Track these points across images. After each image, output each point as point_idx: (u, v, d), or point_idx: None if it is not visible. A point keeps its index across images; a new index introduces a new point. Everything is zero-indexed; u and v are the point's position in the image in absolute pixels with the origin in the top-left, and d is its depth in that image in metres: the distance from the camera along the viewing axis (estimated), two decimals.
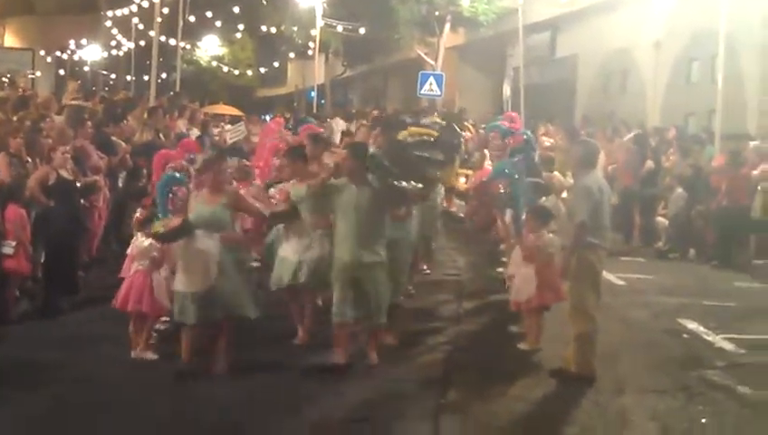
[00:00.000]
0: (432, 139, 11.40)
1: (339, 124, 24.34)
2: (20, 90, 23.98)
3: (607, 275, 15.25)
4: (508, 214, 13.89)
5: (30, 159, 13.87)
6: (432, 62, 44.74)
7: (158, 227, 10.46)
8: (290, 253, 11.51)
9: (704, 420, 9.54)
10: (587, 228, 10.44)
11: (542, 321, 12.07)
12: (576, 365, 10.62)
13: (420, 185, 10.79)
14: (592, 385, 10.38)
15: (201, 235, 10.21)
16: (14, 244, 12.55)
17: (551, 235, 12.01)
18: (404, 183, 10.62)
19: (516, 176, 12.93)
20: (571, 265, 10.66)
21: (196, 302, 10.12)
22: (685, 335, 13.13)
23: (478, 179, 14.81)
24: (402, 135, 11.39)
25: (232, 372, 10.32)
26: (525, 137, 15.33)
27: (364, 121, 23.04)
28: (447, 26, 44.98)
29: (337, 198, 10.61)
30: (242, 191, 11.59)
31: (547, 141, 22.07)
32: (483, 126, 23.73)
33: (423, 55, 46.23)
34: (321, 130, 18.87)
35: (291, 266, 11.43)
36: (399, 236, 11.51)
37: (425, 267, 16.32)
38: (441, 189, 14.33)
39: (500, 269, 14.49)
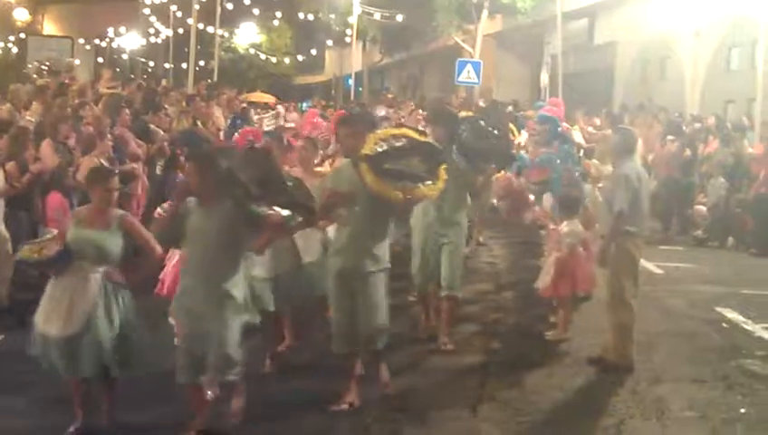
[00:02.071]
0: (411, 144, 9.02)
1: (381, 112, 24.23)
2: (66, 78, 24.07)
3: (645, 264, 15.22)
4: (547, 201, 13.96)
5: (75, 147, 13.98)
6: (470, 50, 44.63)
7: (29, 252, 8.59)
8: None
9: (743, 410, 9.50)
10: (625, 217, 10.43)
11: (570, 310, 12.14)
12: (614, 354, 10.62)
13: (286, 212, 8.33)
14: (630, 374, 10.37)
15: (79, 267, 8.28)
16: (55, 232, 12.63)
17: (572, 224, 12.02)
18: (266, 208, 8.24)
19: (558, 162, 13.03)
20: (609, 254, 10.66)
21: (59, 350, 8.18)
22: (724, 324, 13.06)
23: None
24: (371, 141, 8.93)
25: None
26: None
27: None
28: (485, 13, 44.84)
29: (184, 225, 8.30)
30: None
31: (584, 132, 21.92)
32: (520, 113, 23.69)
33: (461, 43, 46.12)
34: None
35: None
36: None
37: None
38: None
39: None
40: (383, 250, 9.20)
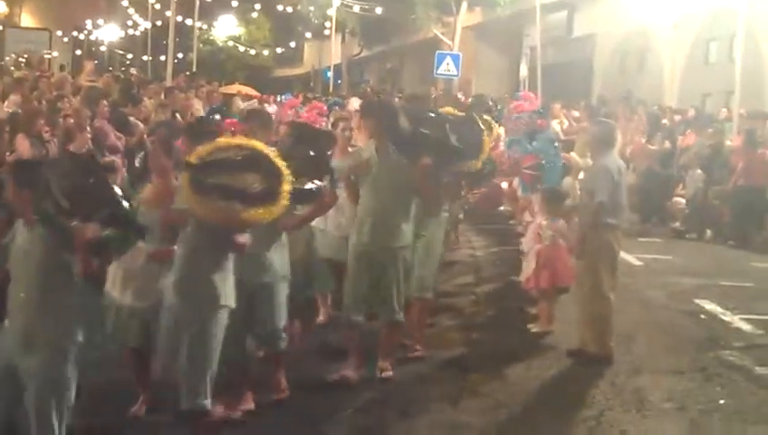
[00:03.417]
0: (251, 159, 7.42)
1: (354, 105, 24.25)
2: (38, 72, 24.06)
3: (624, 256, 15.26)
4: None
5: (50, 140, 13.92)
6: (449, 42, 44.64)
7: None
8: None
9: (721, 401, 9.54)
10: (606, 209, 10.45)
11: (553, 303, 12.11)
12: (593, 346, 10.63)
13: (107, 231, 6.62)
14: (610, 366, 10.40)
15: None
16: None
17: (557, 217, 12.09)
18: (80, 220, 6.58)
19: (552, 153, 13.08)
20: (589, 246, 10.68)
21: None
22: (702, 316, 13.10)
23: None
24: (206, 149, 7.39)
25: None
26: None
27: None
28: (464, 6, 44.89)
29: (8, 248, 6.96)
30: None
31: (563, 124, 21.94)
32: (499, 107, 23.73)
33: (440, 35, 46.16)
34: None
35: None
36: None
37: None
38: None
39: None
40: (224, 283, 7.57)
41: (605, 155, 10.81)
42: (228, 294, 7.60)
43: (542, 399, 9.65)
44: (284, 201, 7.39)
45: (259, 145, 7.58)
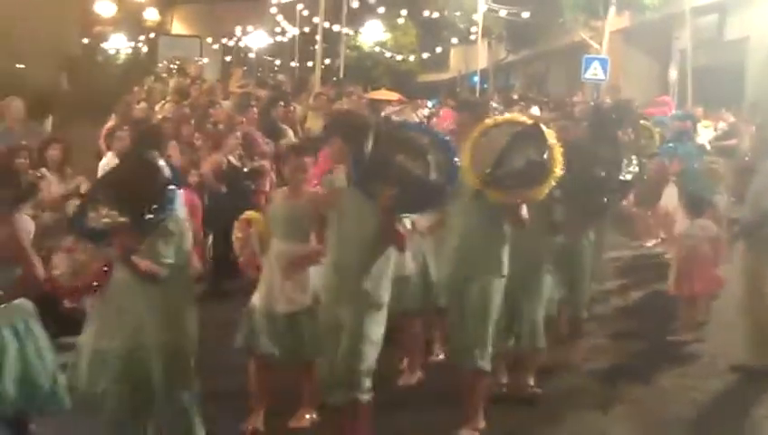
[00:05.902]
0: None
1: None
2: (189, 78, 24.59)
3: None
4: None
5: (200, 147, 14.19)
6: (597, 46, 44.13)
7: None
8: None
9: None
10: None
11: (693, 310, 11.91)
12: (752, 357, 10.24)
13: None
14: None
15: None
16: None
17: (696, 224, 11.85)
18: None
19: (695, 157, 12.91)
20: (754, 253, 10.29)
21: None
22: None
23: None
24: None
25: None
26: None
27: None
28: (612, 9, 44.34)
29: None
30: None
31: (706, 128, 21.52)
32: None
33: (587, 39, 45.68)
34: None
35: None
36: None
37: None
38: None
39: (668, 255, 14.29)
40: None
41: None
42: None
43: (700, 410, 9.41)
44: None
45: None
